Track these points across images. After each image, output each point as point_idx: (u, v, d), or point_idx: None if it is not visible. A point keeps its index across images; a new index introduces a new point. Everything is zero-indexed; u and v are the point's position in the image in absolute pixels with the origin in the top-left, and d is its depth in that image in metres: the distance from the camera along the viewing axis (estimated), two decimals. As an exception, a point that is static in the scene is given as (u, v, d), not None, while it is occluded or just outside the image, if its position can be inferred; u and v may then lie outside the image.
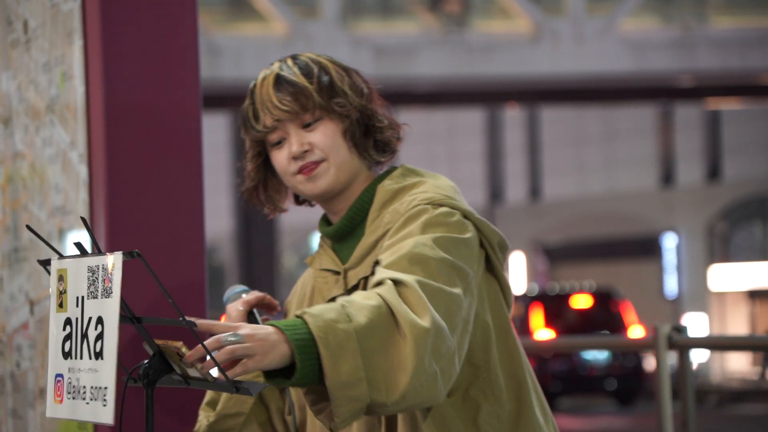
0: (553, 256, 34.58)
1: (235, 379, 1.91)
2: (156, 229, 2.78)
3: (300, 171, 2.12)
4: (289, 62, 2.18)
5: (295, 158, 2.12)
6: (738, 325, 32.13)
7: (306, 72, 2.15)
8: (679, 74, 21.28)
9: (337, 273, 2.12)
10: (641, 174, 34.10)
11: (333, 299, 2.08)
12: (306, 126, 2.13)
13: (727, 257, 33.37)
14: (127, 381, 1.98)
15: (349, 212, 2.12)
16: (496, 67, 20.14)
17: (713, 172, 33.67)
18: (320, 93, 2.13)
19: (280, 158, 2.15)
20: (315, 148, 2.12)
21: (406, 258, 1.97)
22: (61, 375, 2.05)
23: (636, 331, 16.58)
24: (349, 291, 2.09)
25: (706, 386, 20.21)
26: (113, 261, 1.93)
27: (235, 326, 1.89)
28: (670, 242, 33.58)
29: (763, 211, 33.30)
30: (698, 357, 22.22)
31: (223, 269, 42.09)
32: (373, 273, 2.07)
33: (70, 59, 3.00)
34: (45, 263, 2.08)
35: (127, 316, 1.97)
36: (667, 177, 34.32)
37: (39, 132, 3.16)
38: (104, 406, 1.94)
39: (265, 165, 2.22)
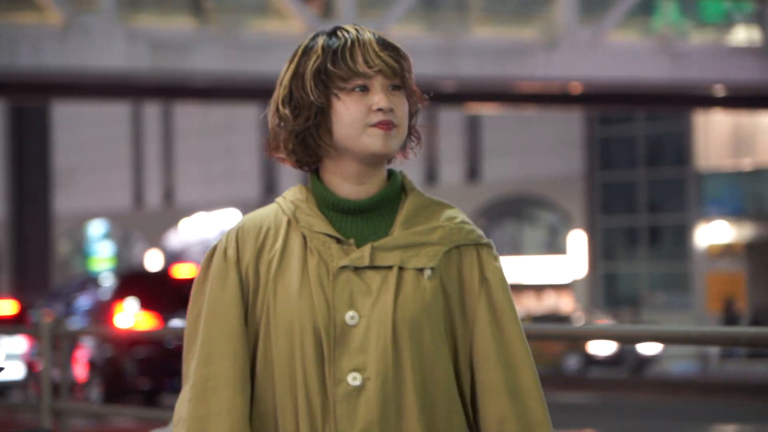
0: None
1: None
2: None
3: (377, 124, 2.05)
4: (378, 33, 2.11)
5: (379, 110, 2.05)
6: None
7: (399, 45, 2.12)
8: (442, 79, 21.78)
9: (339, 241, 2.07)
10: (407, 172, 34.73)
11: (344, 267, 2.05)
12: (392, 89, 2.07)
13: (483, 252, 34.35)
14: None
15: (382, 195, 2.10)
16: (269, 65, 20.17)
17: (473, 172, 34.61)
18: (410, 69, 2.09)
19: (359, 105, 2.05)
20: (394, 112, 2.06)
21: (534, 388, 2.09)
22: None
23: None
24: (372, 268, 2.06)
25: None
26: None
27: None
28: (431, 237, 34.31)
29: (518, 209, 34.44)
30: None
31: (-5, 256, 40.63)
32: (428, 270, 2.08)
33: None
34: None
35: None
36: (431, 176, 35.07)
37: None
38: None
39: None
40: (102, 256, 42.70)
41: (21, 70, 19.53)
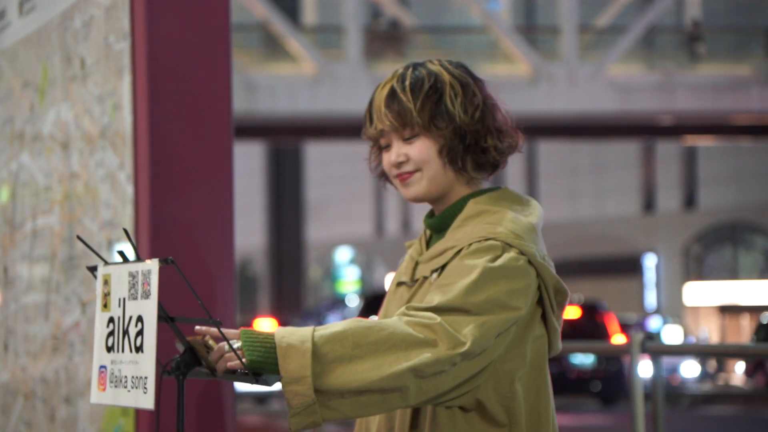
0: (547, 272, 34.37)
1: (255, 372, 1.93)
2: (192, 241, 2.80)
3: (398, 177, 2.12)
4: (408, 74, 2.10)
5: (393, 165, 2.11)
6: (709, 337, 31.92)
7: (415, 87, 2.08)
8: (660, 114, 21.25)
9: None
10: (626, 201, 34.01)
11: (400, 284, 2.12)
12: (406, 140, 2.10)
13: (700, 276, 33.23)
14: (162, 373, 1.99)
15: (442, 214, 2.11)
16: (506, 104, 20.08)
17: (689, 200, 33.56)
18: (421, 112, 2.07)
19: (385, 161, 2.13)
20: (410, 160, 2.09)
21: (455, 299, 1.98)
22: (104, 366, 2.05)
23: (619, 340, 16.50)
24: (413, 282, 2.11)
25: (682, 389, 20.06)
26: (150, 267, 1.95)
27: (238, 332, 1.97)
28: (650, 262, 33.47)
29: (733, 235, 33.14)
30: (685, 365, 22.05)
31: (256, 279, 42.06)
32: (434, 274, 2.06)
33: (120, 92, 3.03)
34: (92, 269, 2.10)
35: (162, 315, 1.98)
36: (649, 204, 34.21)
37: (92, 155, 3.19)
38: (145, 393, 1.95)
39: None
40: (348, 280, 43.57)
41: (280, 115, 20.19)
